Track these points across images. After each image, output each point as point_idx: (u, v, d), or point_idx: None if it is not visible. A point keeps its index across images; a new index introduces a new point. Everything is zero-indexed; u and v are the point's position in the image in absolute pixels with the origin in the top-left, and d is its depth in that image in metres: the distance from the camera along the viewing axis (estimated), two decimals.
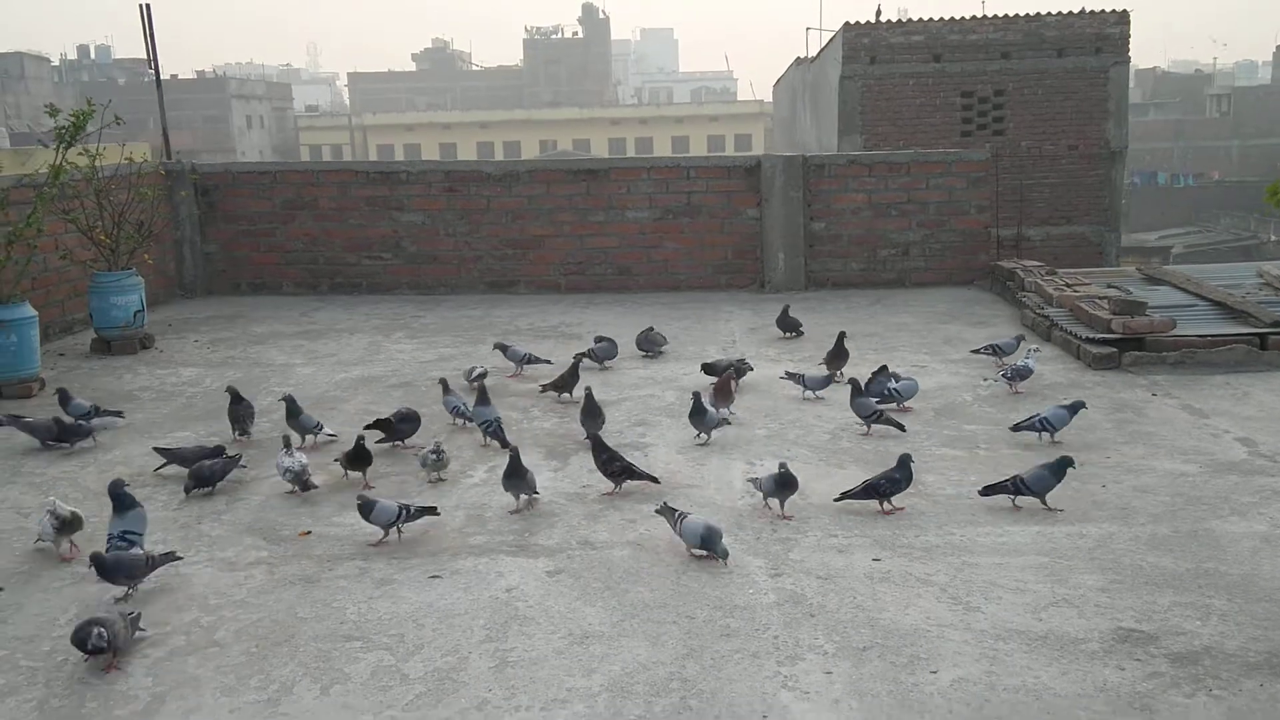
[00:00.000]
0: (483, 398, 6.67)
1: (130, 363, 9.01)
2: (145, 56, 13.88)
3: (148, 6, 12.85)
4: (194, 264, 12.35)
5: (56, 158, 8.67)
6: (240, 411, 6.83)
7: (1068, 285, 9.71)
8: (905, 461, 5.35)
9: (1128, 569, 4.60)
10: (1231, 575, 4.51)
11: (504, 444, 6.33)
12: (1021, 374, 7.45)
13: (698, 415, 6.50)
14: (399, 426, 6.58)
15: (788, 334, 9.46)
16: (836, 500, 5.37)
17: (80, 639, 3.89)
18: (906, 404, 7.15)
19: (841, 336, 8.03)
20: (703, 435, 6.57)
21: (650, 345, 8.88)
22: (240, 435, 6.84)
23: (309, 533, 5.28)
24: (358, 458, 5.93)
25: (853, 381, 6.86)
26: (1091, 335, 8.29)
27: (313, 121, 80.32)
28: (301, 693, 3.81)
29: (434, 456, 5.89)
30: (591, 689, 3.78)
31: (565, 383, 7.57)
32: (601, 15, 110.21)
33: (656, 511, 5.07)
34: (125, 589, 4.56)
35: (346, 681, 3.87)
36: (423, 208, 12.23)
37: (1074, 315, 8.93)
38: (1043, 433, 6.34)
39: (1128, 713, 3.51)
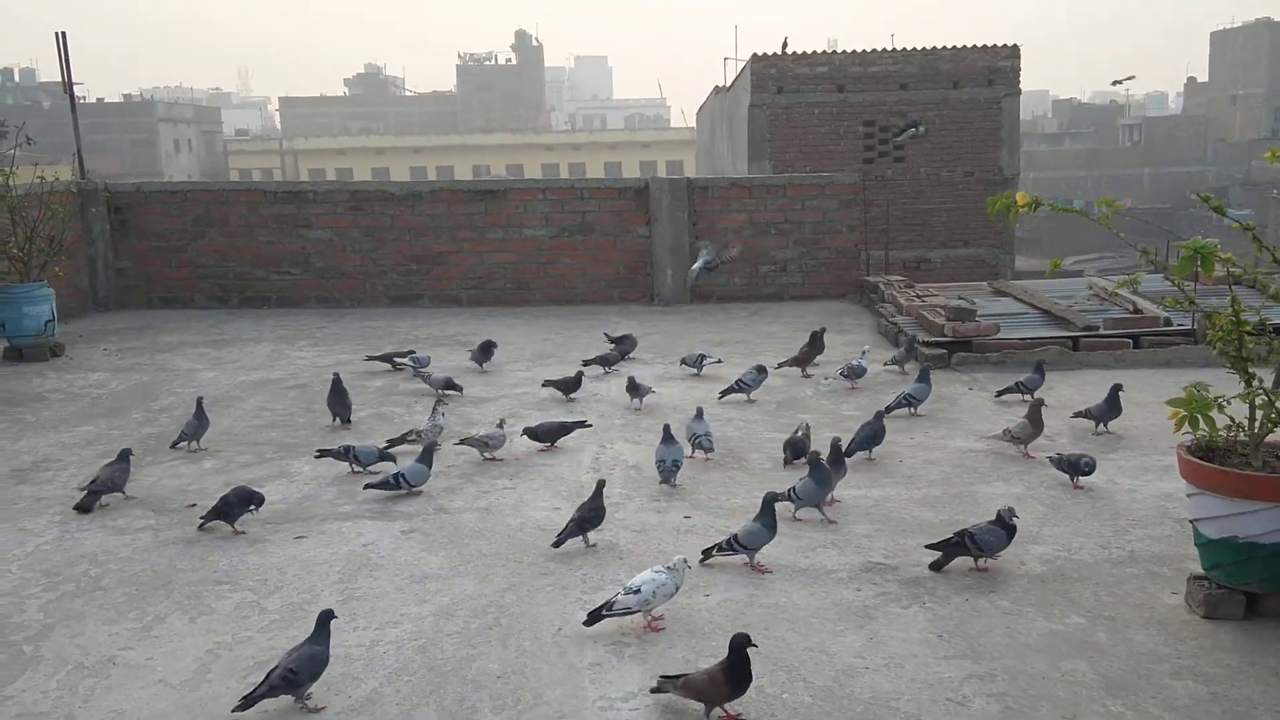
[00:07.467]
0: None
1: (41, 368, 9.54)
2: (66, 80, 14.36)
3: (63, 33, 13.40)
4: (106, 279, 12.85)
5: None
6: (337, 401, 7.50)
7: (918, 297, 10.66)
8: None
9: (894, 520, 5.44)
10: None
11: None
12: (857, 372, 8.33)
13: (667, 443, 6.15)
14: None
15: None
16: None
17: None
18: (753, 395, 7.98)
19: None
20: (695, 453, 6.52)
21: (486, 355, 9.26)
22: (341, 423, 7.50)
23: (194, 504, 5.93)
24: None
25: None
26: (927, 339, 9.21)
27: (243, 146, 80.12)
28: (173, 622, 4.48)
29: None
30: (421, 614, 4.50)
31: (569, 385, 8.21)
32: (535, 42, 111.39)
33: None
34: None
35: (212, 614, 4.55)
36: (330, 225, 12.89)
37: (918, 322, 9.86)
38: (910, 406, 7.42)
39: (850, 619, 4.32)
